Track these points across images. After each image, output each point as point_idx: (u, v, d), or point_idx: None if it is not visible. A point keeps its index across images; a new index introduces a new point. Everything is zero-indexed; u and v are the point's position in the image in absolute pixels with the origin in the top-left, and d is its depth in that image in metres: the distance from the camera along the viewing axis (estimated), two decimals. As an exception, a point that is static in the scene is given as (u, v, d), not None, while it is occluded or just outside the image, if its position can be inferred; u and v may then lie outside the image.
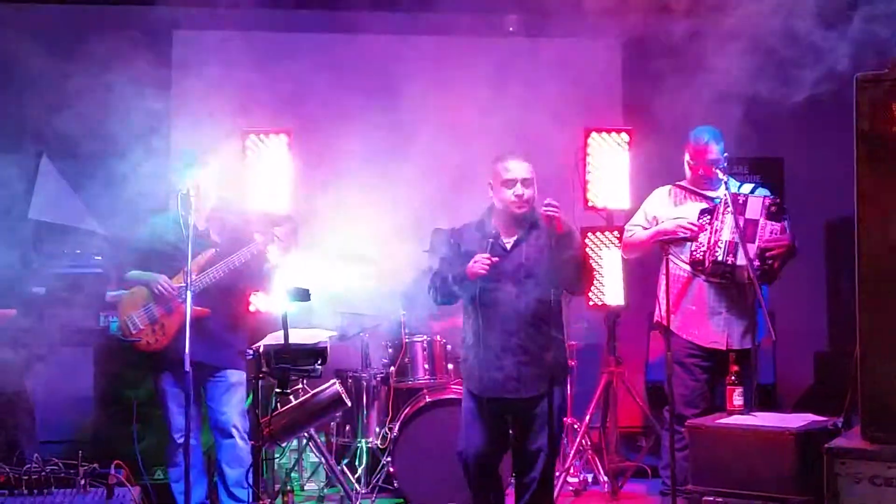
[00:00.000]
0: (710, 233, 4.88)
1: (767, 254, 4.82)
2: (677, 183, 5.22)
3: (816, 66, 5.43)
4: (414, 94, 7.13)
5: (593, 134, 6.02)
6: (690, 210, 5.04)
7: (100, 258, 5.64)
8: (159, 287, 4.77)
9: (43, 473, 3.84)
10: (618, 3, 5.92)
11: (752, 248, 4.79)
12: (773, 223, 4.84)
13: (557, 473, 5.56)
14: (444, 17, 7.16)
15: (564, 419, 4.92)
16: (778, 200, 4.93)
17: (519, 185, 4.38)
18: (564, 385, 4.55)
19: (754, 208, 4.87)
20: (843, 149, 3.95)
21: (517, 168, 4.40)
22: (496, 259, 4.32)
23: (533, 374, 4.37)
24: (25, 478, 3.81)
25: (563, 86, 7.17)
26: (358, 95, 7.07)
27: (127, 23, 6.88)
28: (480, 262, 4.30)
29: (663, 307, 4.97)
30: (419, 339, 5.72)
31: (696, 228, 4.92)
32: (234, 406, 4.87)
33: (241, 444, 4.81)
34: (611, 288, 5.93)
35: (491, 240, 4.36)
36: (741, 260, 4.76)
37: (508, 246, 4.45)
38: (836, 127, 4.83)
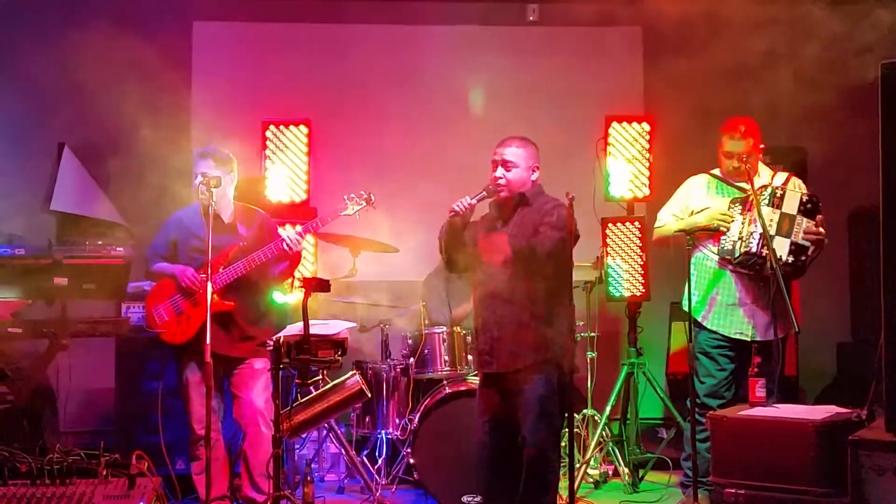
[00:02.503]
0: (744, 224, 4.85)
1: (809, 251, 4.80)
2: (711, 172, 5.19)
3: (841, 53, 5.38)
4: (434, 83, 7.13)
5: (614, 123, 5.97)
6: (723, 200, 5.01)
7: (121, 249, 5.66)
8: (186, 280, 4.79)
9: (65, 463, 3.87)
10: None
11: (786, 243, 4.76)
12: (809, 219, 4.82)
13: (577, 465, 5.55)
14: (464, 6, 7.13)
15: (558, 407, 4.49)
16: (814, 198, 4.89)
17: (500, 167, 4.49)
18: (552, 369, 4.38)
19: (791, 204, 4.84)
20: (867, 137, 3.91)
21: (500, 151, 4.53)
22: (474, 202, 4.42)
23: (509, 349, 4.40)
24: (48, 468, 3.83)
25: (584, 74, 7.15)
26: (378, 85, 7.07)
27: (147, 14, 6.90)
28: (459, 200, 4.41)
29: (693, 298, 4.96)
30: (439, 331, 5.71)
31: (729, 219, 4.89)
32: (258, 393, 4.89)
33: (266, 433, 4.82)
34: (632, 278, 5.90)
35: (483, 192, 4.46)
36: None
37: (499, 225, 4.52)
38: (861, 115, 4.78)
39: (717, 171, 5.17)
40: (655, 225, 5.30)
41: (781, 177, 5.07)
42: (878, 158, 3.74)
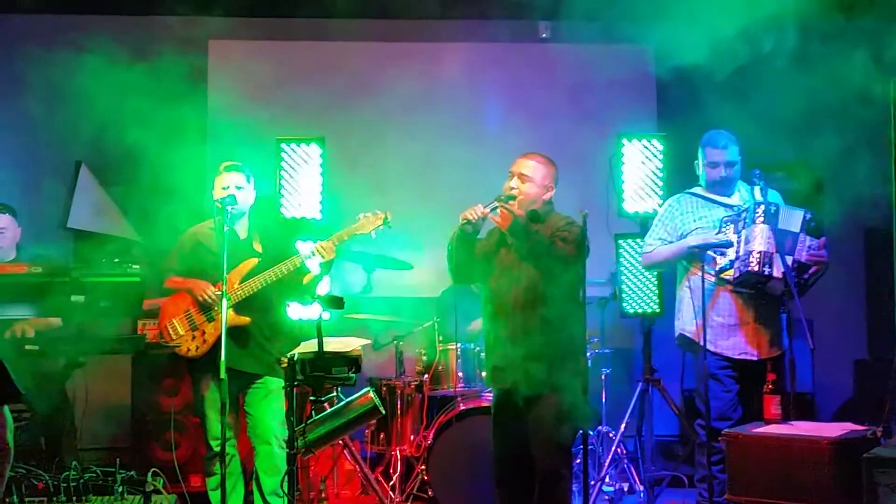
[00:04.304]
0: (741, 242, 4.78)
1: (811, 270, 4.75)
2: (689, 191, 5.15)
3: (855, 70, 5.38)
4: (447, 100, 7.17)
5: (626, 140, 5.97)
6: (709, 218, 4.96)
7: (138, 267, 5.70)
8: (203, 295, 4.81)
9: (81, 481, 3.89)
10: (651, 8, 5.90)
11: (788, 261, 4.70)
12: (813, 238, 4.76)
13: (592, 482, 5.54)
14: (476, 24, 7.17)
15: (570, 424, 4.40)
16: (815, 217, 4.84)
17: (516, 178, 4.50)
18: (565, 386, 4.34)
19: (794, 221, 4.78)
20: (883, 154, 3.90)
21: (516, 163, 4.55)
22: (487, 210, 4.37)
23: (522, 365, 4.35)
24: (64, 485, 3.86)
25: (597, 91, 7.17)
26: (391, 103, 7.10)
27: (163, 32, 6.96)
28: (472, 208, 4.38)
29: (687, 320, 4.94)
30: (453, 347, 5.71)
31: (726, 238, 4.83)
32: (273, 413, 4.89)
33: (279, 452, 4.82)
34: (646, 295, 5.89)
35: (496, 203, 4.42)
36: (776, 272, 4.67)
37: (510, 240, 4.49)
38: (877, 132, 4.78)
39: (696, 189, 5.13)
40: (644, 250, 5.24)
41: (757, 191, 4.99)
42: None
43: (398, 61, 7.23)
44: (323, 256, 4.79)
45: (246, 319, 4.80)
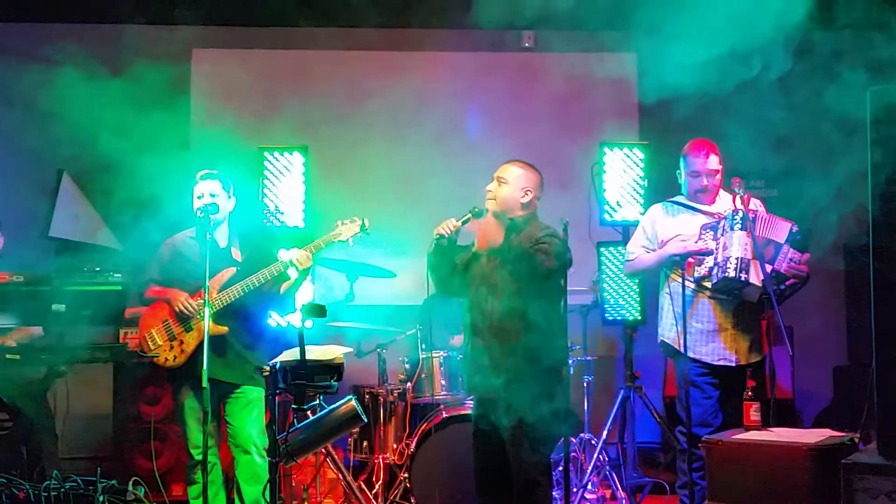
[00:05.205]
0: (719, 249, 4.82)
1: (787, 282, 4.78)
2: (671, 199, 5.18)
3: (834, 81, 5.44)
4: (430, 109, 7.18)
5: (609, 148, 6.01)
6: (691, 226, 4.99)
7: (119, 275, 5.69)
8: (180, 305, 4.81)
9: (62, 490, 3.89)
10: (634, 18, 5.94)
11: (767, 269, 4.72)
12: (795, 251, 4.79)
13: (574, 490, 5.56)
14: (459, 33, 7.20)
15: (548, 433, 4.41)
16: (801, 230, 4.87)
17: (494, 181, 4.52)
18: (542, 395, 4.30)
19: (779, 231, 4.81)
20: (862, 162, 3.94)
21: (499, 168, 4.57)
22: (459, 224, 4.42)
23: (498, 376, 4.34)
24: (45, 494, 3.85)
25: (579, 100, 7.20)
26: (375, 111, 7.12)
27: (146, 42, 6.96)
28: (444, 223, 4.41)
29: (667, 326, 4.96)
30: (436, 355, 5.73)
31: (706, 246, 4.85)
32: (252, 422, 4.88)
33: (260, 461, 4.82)
34: (628, 302, 5.92)
35: (469, 214, 4.45)
36: (753, 278, 4.71)
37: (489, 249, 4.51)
38: (856, 139, 4.82)
39: (678, 198, 5.17)
40: (626, 258, 5.27)
41: (739, 200, 5.02)
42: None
43: (381, 70, 7.25)
44: (299, 265, 4.78)
45: (224, 329, 4.80)
